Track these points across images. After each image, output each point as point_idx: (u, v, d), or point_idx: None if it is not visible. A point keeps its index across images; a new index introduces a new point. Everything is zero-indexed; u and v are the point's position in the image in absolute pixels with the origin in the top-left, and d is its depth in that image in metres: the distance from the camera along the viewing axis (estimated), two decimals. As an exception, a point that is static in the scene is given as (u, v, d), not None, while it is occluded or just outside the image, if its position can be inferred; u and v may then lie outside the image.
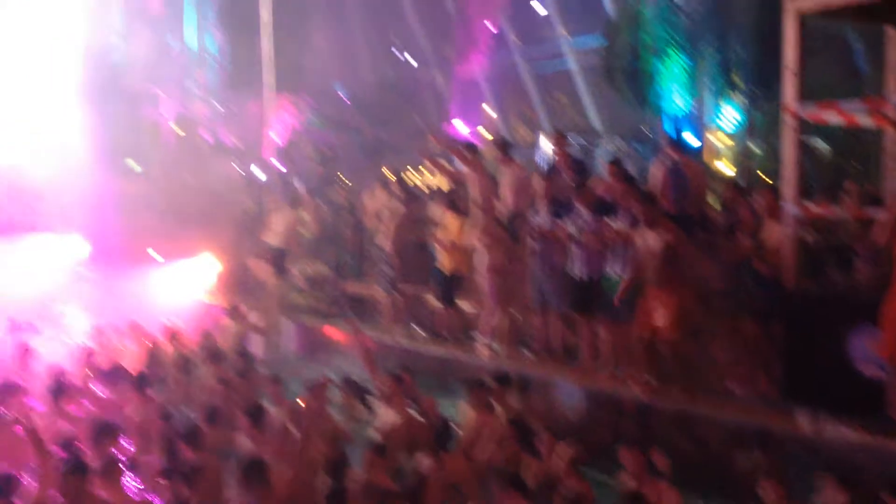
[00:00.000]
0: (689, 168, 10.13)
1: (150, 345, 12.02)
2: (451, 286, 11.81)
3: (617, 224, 9.38)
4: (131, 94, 19.28)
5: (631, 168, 11.93)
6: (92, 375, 10.40)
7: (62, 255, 15.93)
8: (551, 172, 11.00)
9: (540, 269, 10.29)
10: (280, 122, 19.78)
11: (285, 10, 17.63)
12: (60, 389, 9.17)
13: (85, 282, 15.64)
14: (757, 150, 16.45)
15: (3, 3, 17.35)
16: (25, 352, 11.21)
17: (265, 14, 15.79)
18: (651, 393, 8.86)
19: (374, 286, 13.26)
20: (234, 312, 13.53)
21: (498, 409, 8.48)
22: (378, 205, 13.97)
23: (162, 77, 19.93)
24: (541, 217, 10.30)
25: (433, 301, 12.28)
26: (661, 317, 8.69)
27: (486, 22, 21.57)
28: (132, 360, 11.63)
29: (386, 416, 8.87)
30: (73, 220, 16.28)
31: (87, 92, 17.87)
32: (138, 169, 18.05)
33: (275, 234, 14.55)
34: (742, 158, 16.81)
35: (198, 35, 19.31)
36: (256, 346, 13.39)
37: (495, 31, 21.65)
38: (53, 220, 15.81)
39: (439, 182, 15.49)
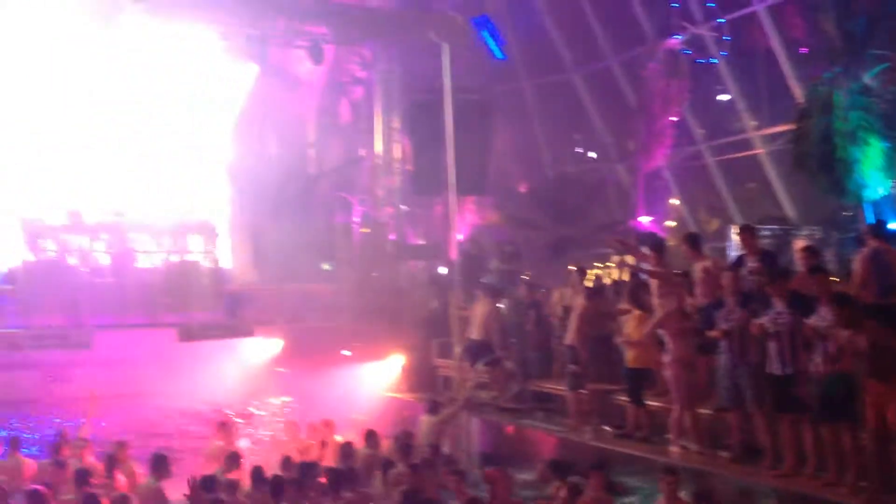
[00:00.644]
0: (893, 255, 9.51)
1: (343, 441, 12.25)
2: (638, 382, 11.48)
3: (816, 319, 8.82)
4: (324, 200, 20.32)
5: (829, 257, 11.35)
6: (286, 473, 10.69)
7: (260, 355, 16.74)
8: (739, 264, 10.62)
9: (732, 365, 9.82)
10: (464, 222, 20.20)
11: (467, 114, 18.17)
12: (276, 487, 9.48)
13: (281, 381, 16.31)
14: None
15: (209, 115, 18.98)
16: (233, 450, 11.66)
17: (448, 120, 16.32)
18: (865, 499, 8.17)
19: (560, 383, 13.08)
20: (427, 407, 13.70)
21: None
22: (562, 300, 13.88)
23: (351, 183, 20.91)
24: (731, 311, 9.87)
25: (621, 398, 11.95)
26: (891, 412, 8.05)
27: (668, 113, 21.39)
28: (326, 457, 11.92)
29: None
30: (271, 322, 17.12)
31: (285, 200, 19.01)
32: (328, 268, 18.85)
33: (474, 328, 14.71)
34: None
35: (384, 142, 20.19)
36: (443, 441, 13.46)
37: (678, 122, 21.40)
38: (253, 322, 16.64)
39: (624, 276, 15.26)
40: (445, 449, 12.73)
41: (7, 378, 18.86)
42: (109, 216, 16.26)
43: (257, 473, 10.27)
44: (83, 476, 10.26)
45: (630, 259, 13.55)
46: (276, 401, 16.12)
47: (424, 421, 13.45)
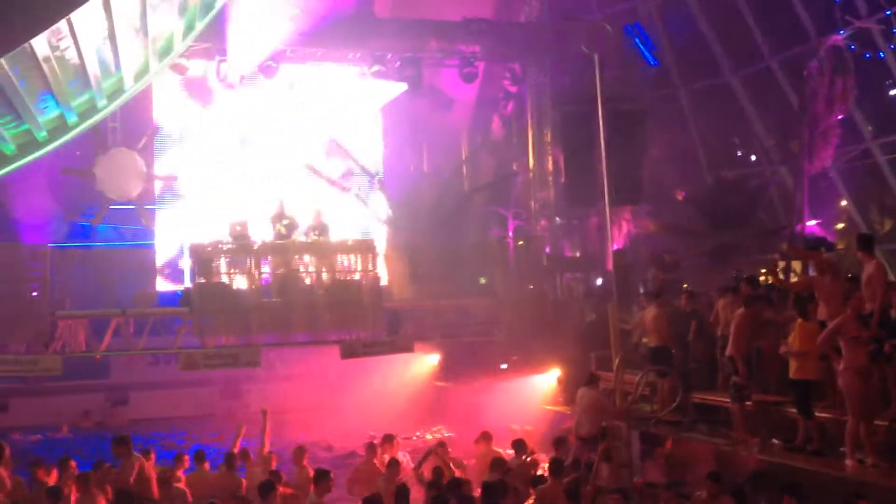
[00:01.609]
0: None
1: (495, 454, 12.23)
2: (806, 393, 10.97)
3: None
4: (478, 215, 20.49)
5: None
6: (430, 490, 10.75)
7: (420, 370, 17.02)
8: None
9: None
10: (620, 232, 19.90)
11: (620, 123, 17.89)
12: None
13: (438, 394, 16.52)
14: None
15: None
16: (393, 466, 11.84)
17: (600, 130, 16.12)
18: None
19: (725, 395, 12.66)
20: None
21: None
22: (724, 309, 13.44)
23: (506, 197, 20.99)
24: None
25: (790, 409, 11.45)
26: None
27: (834, 112, 20.39)
28: (484, 470, 11.94)
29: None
30: (429, 337, 17.40)
31: (440, 216, 19.30)
32: (484, 283, 18.99)
33: (650, 335, 14.51)
34: None
35: (536, 156, 20.20)
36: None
37: (845, 120, 20.37)
38: (412, 338, 16.94)
39: (790, 283, 14.64)
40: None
41: (189, 394, 20.11)
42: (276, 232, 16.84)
43: (401, 492, 10.35)
44: (268, 488, 10.52)
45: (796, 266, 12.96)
46: (432, 431, 16.36)
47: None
